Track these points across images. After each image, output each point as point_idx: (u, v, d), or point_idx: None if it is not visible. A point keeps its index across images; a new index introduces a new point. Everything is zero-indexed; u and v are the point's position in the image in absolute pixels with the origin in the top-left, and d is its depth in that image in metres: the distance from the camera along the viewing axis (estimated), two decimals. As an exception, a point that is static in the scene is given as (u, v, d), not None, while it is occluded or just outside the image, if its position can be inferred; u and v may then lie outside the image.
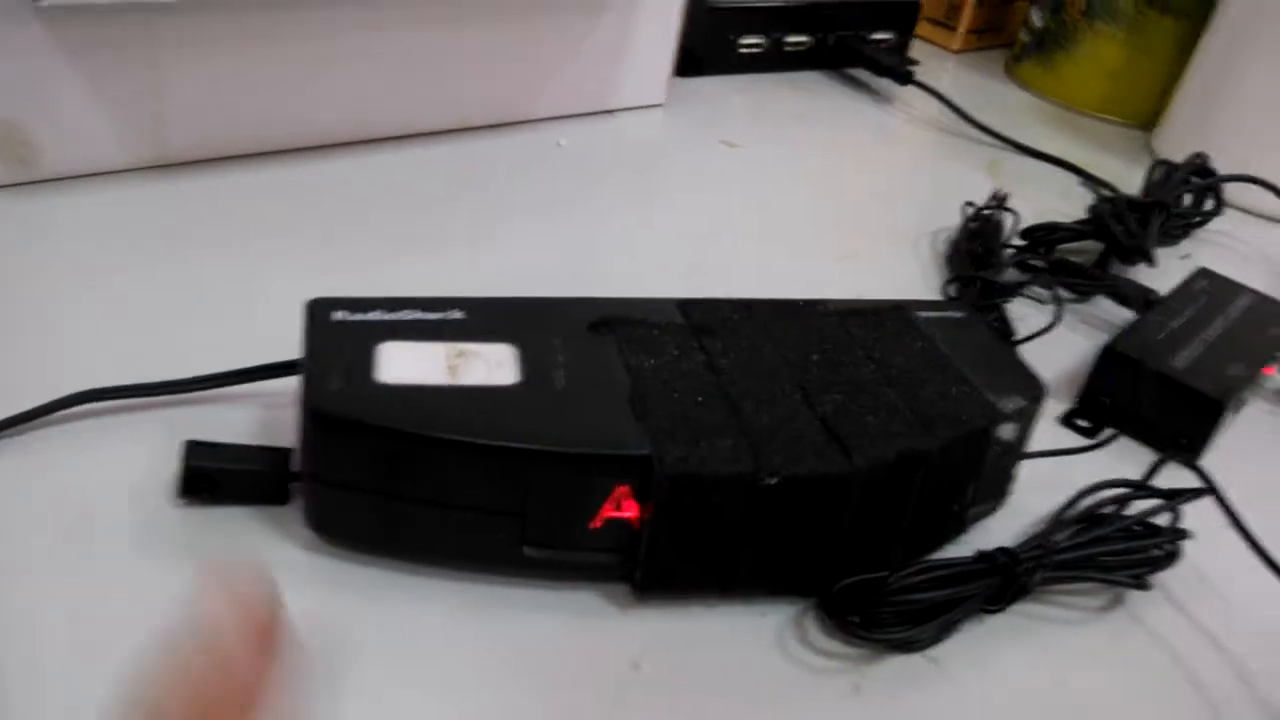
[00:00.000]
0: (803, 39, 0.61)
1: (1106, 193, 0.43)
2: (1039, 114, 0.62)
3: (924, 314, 0.31)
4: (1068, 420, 0.35)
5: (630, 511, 0.25)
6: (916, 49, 0.69)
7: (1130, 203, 0.44)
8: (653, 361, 0.27)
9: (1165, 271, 0.44)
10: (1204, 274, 0.40)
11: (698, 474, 0.24)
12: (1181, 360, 0.34)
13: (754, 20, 0.59)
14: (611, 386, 0.26)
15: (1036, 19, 0.64)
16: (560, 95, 0.50)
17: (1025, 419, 0.28)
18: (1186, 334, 0.35)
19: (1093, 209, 0.42)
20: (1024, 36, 0.65)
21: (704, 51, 0.58)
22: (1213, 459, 0.34)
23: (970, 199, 0.46)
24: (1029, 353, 0.37)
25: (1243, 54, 0.51)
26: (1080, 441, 0.34)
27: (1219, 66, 0.53)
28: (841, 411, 0.26)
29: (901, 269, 0.43)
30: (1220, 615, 0.29)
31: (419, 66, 0.45)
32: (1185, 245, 0.49)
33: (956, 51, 0.70)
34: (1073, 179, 0.54)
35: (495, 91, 0.48)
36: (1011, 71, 0.67)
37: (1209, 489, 0.29)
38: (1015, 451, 0.29)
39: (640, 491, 0.25)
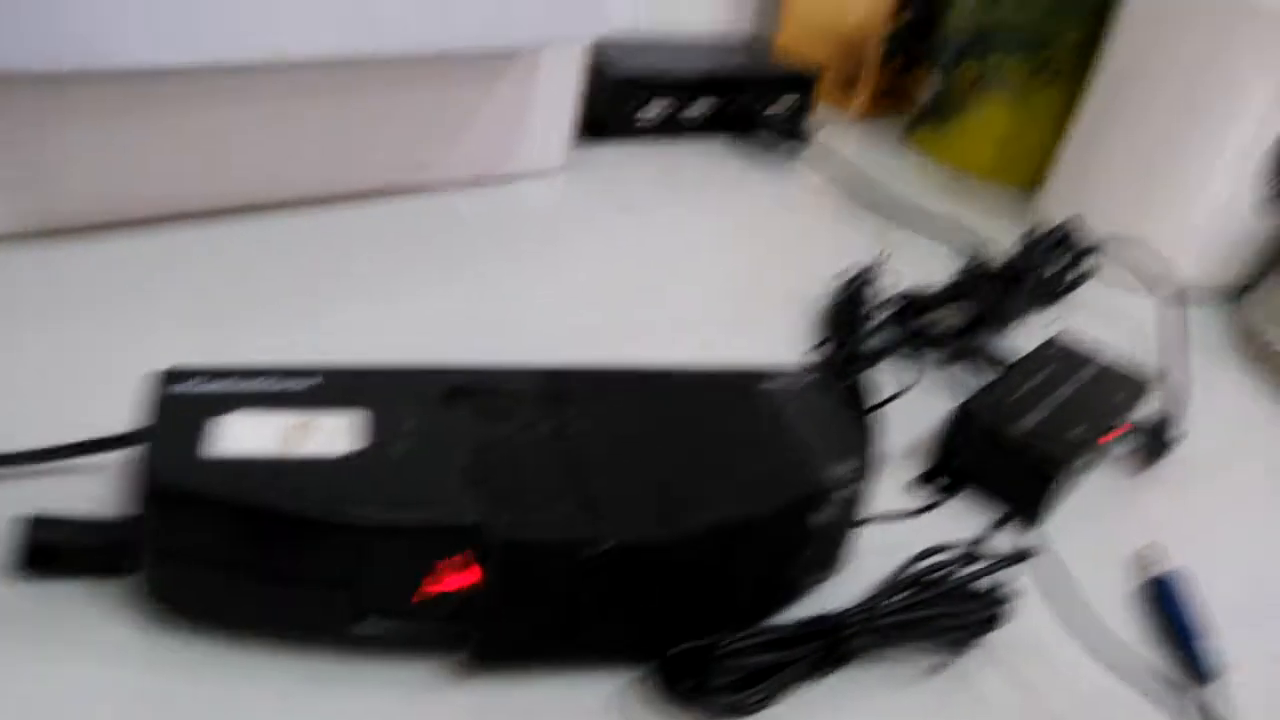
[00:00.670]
0: (704, 107, 0.63)
1: (974, 260, 0.45)
2: (932, 179, 0.64)
3: (771, 383, 0.32)
4: (920, 482, 0.36)
5: (463, 581, 0.26)
6: (819, 116, 0.72)
7: (997, 270, 0.46)
8: (502, 429, 0.28)
9: (1032, 336, 0.46)
10: (1058, 340, 0.42)
11: (526, 542, 0.25)
12: (1026, 424, 0.35)
13: (656, 89, 0.61)
14: (454, 455, 0.27)
15: (931, 89, 0.67)
16: (457, 162, 0.51)
17: (856, 485, 0.29)
18: (1034, 399, 0.37)
19: (959, 276, 0.44)
20: (919, 103, 0.68)
21: (606, 118, 0.60)
22: (1054, 521, 0.36)
23: (856, 264, 0.48)
24: (889, 416, 0.38)
25: (1112, 119, 0.54)
26: (934, 502, 0.35)
27: (1092, 132, 0.56)
28: (678, 479, 0.27)
29: (781, 336, 0.44)
30: (1047, 677, 0.30)
31: (311, 134, 0.46)
32: (1055, 310, 0.51)
33: (858, 119, 0.72)
34: (957, 245, 0.56)
35: (390, 158, 0.49)
36: (908, 138, 0.69)
37: (1034, 552, 0.30)
38: (848, 517, 0.30)
39: (472, 561, 0.25)
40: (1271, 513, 0.39)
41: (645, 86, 0.60)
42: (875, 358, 0.41)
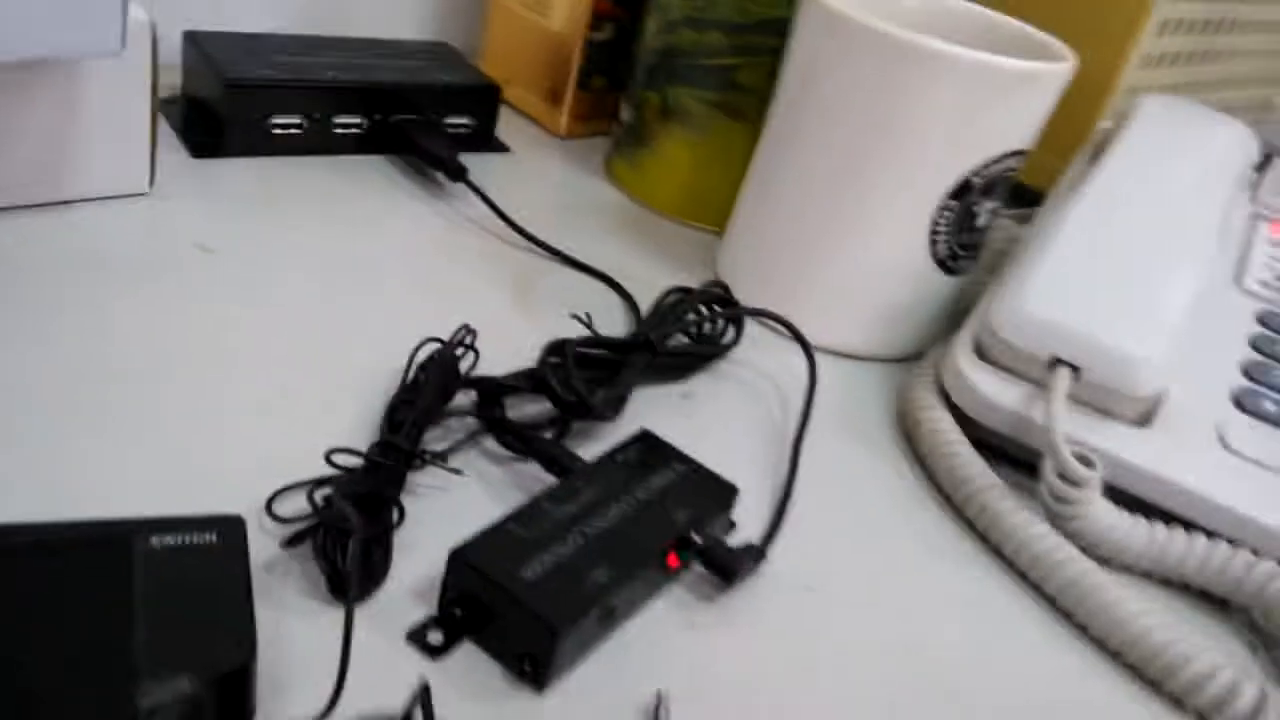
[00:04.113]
0: (355, 120, 0.55)
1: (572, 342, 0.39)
2: (621, 216, 0.58)
3: (160, 540, 0.25)
4: (417, 635, 0.30)
5: None
6: (522, 133, 0.65)
7: (609, 343, 0.40)
8: None
9: (648, 417, 0.40)
10: (641, 440, 0.36)
11: None
12: (534, 568, 0.29)
13: (289, 99, 0.53)
14: None
15: (625, 114, 0.61)
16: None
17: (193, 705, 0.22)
18: (565, 527, 0.31)
19: (540, 360, 0.37)
20: (616, 131, 0.62)
21: (228, 129, 0.52)
22: (580, 681, 0.30)
23: (482, 323, 0.41)
24: (427, 538, 0.32)
25: (781, 166, 0.49)
26: (416, 661, 0.29)
27: (763, 179, 0.50)
28: None
29: (326, 424, 0.37)
30: None
31: None
32: (699, 378, 0.45)
33: (564, 138, 0.66)
34: (616, 299, 0.50)
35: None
36: (608, 167, 0.63)
37: None
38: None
39: None
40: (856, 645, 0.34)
41: (276, 96, 0.52)
42: (417, 463, 0.34)
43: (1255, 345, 0.45)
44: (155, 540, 0.24)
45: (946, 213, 0.46)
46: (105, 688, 0.21)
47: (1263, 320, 0.47)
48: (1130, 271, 0.43)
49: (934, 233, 0.47)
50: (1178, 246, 0.45)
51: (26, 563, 0.23)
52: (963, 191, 0.46)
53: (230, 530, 0.25)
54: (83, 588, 0.23)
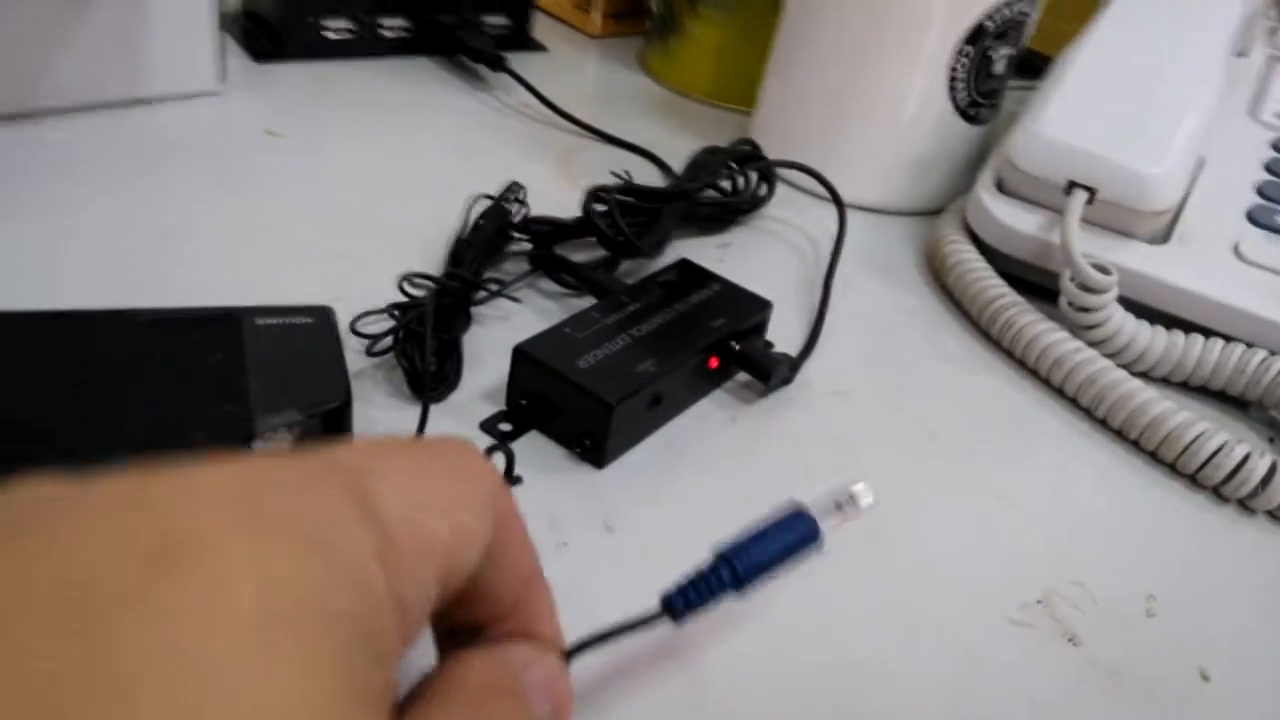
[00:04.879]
0: (400, 23, 0.58)
1: (614, 187, 0.42)
2: (656, 102, 0.61)
3: (263, 320, 0.28)
4: (488, 424, 0.33)
5: None
6: (557, 34, 0.68)
7: (647, 192, 0.43)
8: None
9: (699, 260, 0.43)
10: (680, 266, 0.39)
11: None
12: (588, 360, 0.33)
13: (340, 2, 0.56)
14: None
15: (655, 4, 0.63)
16: (62, 87, 0.46)
17: (304, 432, 0.26)
18: (614, 330, 0.34)
19: (584, 205, 0.40)
20: (648, 23, 0.65)
21: (285, 34, 0.55)
22: (634, 460, 0.33)
23: (528, 190, 0.44)
24: (484, 353, 0.35)
25: (805, 34, 0.51)
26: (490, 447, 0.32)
27: (788, 49, 0.53)
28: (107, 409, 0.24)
29: (394, 269, 0.40)
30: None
31: None
32: (735, 232, 0.48)
33: (596, 37, 0.68)
34: (653, 168, 0.53)
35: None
36: (641, 59, 0.66)
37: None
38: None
39: None
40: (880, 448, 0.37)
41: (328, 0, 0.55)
42: (476, 287, 0.38)
43: (1269, 168, 0.47)
44: (259, 320, 0.28)
45: (963, 58, 0.48)
46: (228, 417, 0.25)
47: (1277, 146, 0.48)
48: (1139, 98, 0.45)
49: (953, 79, 0.49)
50: (1185, 75, 0.46)
51: (152, 332, 0.27)
52: (977, 35, 0.48)
53: (321, 314, 0.29)
54: (201, 352, 0.26)
